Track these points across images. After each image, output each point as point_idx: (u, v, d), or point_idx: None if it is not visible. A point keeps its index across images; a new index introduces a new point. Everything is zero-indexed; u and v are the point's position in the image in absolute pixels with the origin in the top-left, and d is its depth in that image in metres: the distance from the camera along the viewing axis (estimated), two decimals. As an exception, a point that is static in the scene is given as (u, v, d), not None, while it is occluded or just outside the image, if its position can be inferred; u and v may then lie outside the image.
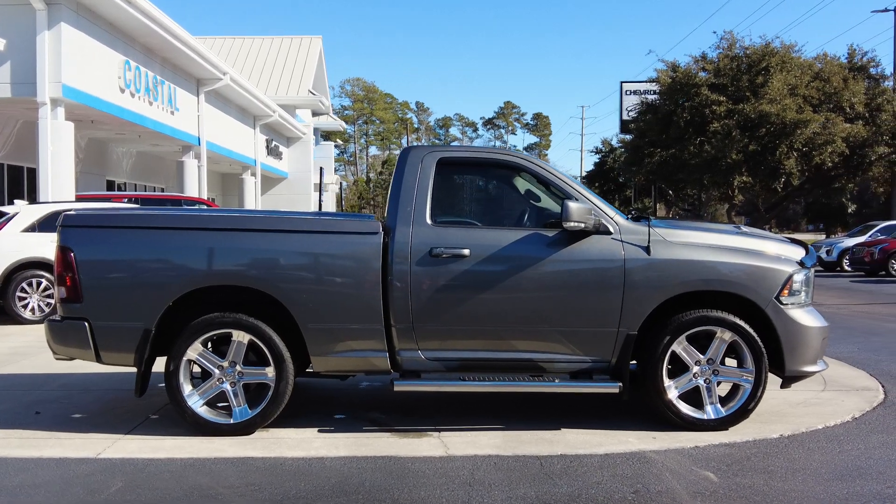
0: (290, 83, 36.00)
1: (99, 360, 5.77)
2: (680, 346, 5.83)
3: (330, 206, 44.60)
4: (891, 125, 31.79)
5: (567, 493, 4.60)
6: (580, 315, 5.78)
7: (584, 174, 65.55)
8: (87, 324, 5.68)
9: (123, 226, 5.80)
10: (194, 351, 5.73)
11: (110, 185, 23.27)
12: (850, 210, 49.21)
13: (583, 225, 5.66)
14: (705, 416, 5.86)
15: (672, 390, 5.84)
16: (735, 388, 5.96)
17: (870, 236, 26.79)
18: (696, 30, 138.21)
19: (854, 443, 5.65)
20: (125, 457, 5.24)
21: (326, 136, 53.10)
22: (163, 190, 27.20)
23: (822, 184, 35.88)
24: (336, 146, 70.14)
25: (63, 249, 5.72)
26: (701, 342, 5.90)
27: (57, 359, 6.03)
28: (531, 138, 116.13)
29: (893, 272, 23.47)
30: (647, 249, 5.79)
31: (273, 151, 32.89)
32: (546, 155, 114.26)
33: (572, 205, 5.63)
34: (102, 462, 5.14)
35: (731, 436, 5.74)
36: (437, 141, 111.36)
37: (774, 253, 6.03)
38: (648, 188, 50.92)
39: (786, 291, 5.87)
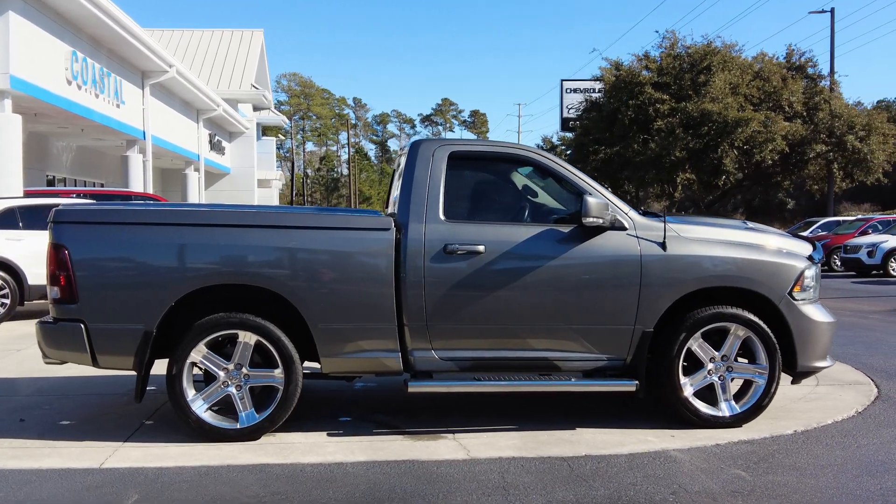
0: (231, 77, 35.26)
1: (95, 363, 5.46)
2: (696, 344, 5.77)
3: (273, 203, 43.86)
4: (828, 123, 32.57)
5: (605, 495, 4.49)
6: (596, 312, 5.68)
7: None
8: (83, 326, 5.36)
9: (122, 222, 5.49)
10: (198, 353, 5.45)
11: (51, 181, 22.43)
12: (788, 206, 50.39)
13: (601, 221, 5.56)
14: (721, 414, 5.82)
15: (688, 388, 5.78)
16: (746, 385, 5.94)
17: (811, 232, 27.44)
18: (634, 28, 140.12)
19: (868, 437, 5.66)
20: (132, 466, 4.96)
21: (265, 131, 52.25)
22: (103, 185, 26.34)
23: (761, 181, 36.64)
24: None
25: (56, 247, 5.39)
26: (713, 339, 5.86)
27: (47, 363, 5.69)
28: (468, 135, 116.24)
29: (836, 267, 24.07)
30: (662, 245, 5.71)
31: (216, 146, 32.20)
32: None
33: (591, 200, 5.52)
34: (109, 473, 4.84)
35: (746, 433, 5.70)
36: (374, 137, 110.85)
37: (785, 248, 6.02)
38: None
39: (798, 287, 5.87)
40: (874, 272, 21.87)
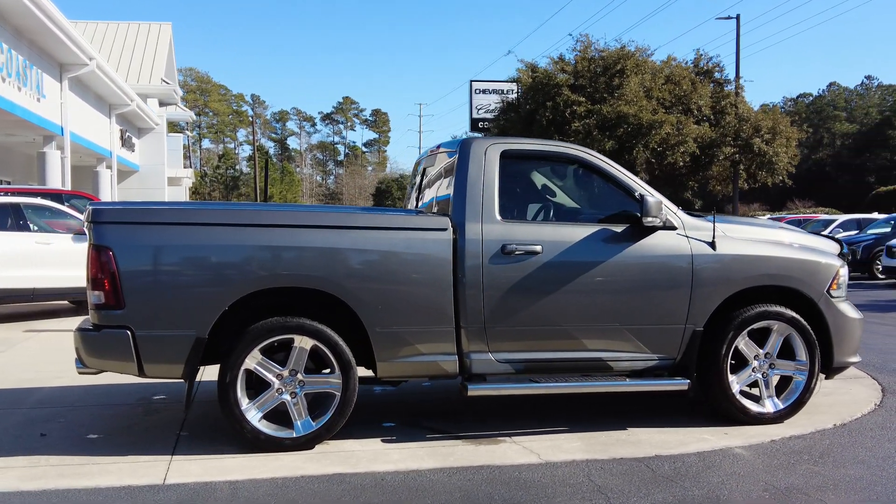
0: (140, 71, 33.96)
1: (141, 373, 5.12)
2: (742, 342, 5.85)
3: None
4: (734, 127, 33.85)
5: (703, 495, 4.49)
6: (650, 312, 5.69)
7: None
8: (129, 333, 5.01)
9: (170, 222, 5.17)
10: (253, 359, 5.19)
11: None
12: (696, 206, 52.13)
13: (658, 220, 5.58)
14: (765, 410, 5.92)
15: (735, 386, 5.85)
16: (784, 381, 6.05)
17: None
18: (541, 28, 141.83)
19: (904, 429, 5.87)
20: (199, 481, 4.66)
21: (171, 127, 50.54)
22: (9, 183, 24.94)
23: (671, 181, 37.75)
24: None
25: (99, 249, 5.03)
26: (754, 337, 5.95)
27: (81, 372, 5.32)
28: (370, 134, 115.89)
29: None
30: (712, 245, 5.77)
31: (127, 143, 30.98)
32: (385, 151, 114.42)
33: (651, 199, 5.53)
34: (179, 489, 4.54)
35: (791, 428, 5.82)
36: (273, 135, 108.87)
37: (821, 247, 6.18)
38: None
39: (835, 285, 6.03)
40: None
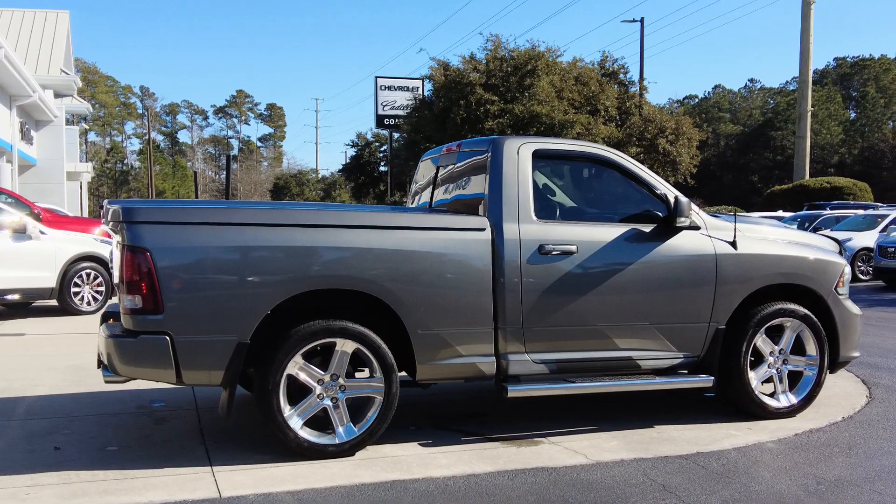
0: (38, 60, 32.32)
1: (179, 380, 4.87)
2: (760, 339, 6.01)
3: (78, 197, 40.64)
4: (639, 128, 34.82)
5: (764, 490, 4.59)
6: (678, 310, 5.79)
7: (340, 167, 65.20)
8: (168, 339, 4.76)
9: (210, 222, 4.93)
10: (295, 364, 5.01)
11: None
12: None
13: (689, 221, 5.68)
14: (781, 405, 6.10)
15: (754, 381, 6.01)
16: (795, 376, 6.24)
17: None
18: (444, 24, 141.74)
19: (908, 420, 6.15)
20: (258, 493, 4.46)
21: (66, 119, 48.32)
22: None
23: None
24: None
25: (134, 250, 4.74)
26: (768, 334, 6.12)
27: (108, 381, 5.02)
28: (265, 129, 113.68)
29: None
30: (733, 244, 5.91)
31: (26, 136, 29.45)
32: (280, 146, 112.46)
33: (684, 201, 5.64)
34: (241, 502, 4.34)
35: (806, 422, 6.01)
36: (164, 129, 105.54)
37: (826, 246, 6.41)
38: (403, 183, 51.69)
39: (841, 283, 6.27)
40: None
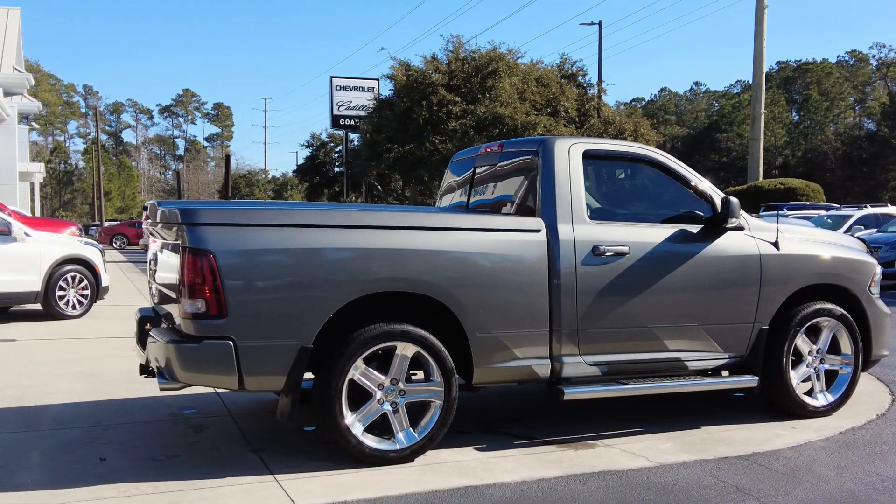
0: (-14, 57, 31.38)
1: (241, 387, 4.72)
2: (800, 339, 6.07)
3: (27, 199, 39.53)
4: (599, 130, 35.10)
5: (835, 489, 4.62)
6: (724, 311, 5.81)
7: (294, 168, 64.46)
8: (231, 344, 4.61)
9: (274, 224, 4.78)
10: (357, 369, 4.90)
11: None
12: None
13: (737, 222, 5.71)
14: (819, 403, 6.17)
15: (794, 381, 6.06)
16: (829, 375, 6.31)
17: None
18: (400, 23, 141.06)
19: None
20: (334, 502, 4.34)
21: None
22: None
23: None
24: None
25: (197, 253, 4.58)
26: (807, 333, 6.17)
27: (164, 388, 4.84)
28: (212, 128, 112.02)
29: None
30: (776, 245, 5.95)
31: (-24, 135, 28.56)
32: (228, 146, 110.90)
33: (735, 202, 5.65)
34: (320, 511, 4.23)
35: (845, 420, 6.08)
36: (108, 128, 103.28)
37: (858, 247, 6.50)
38: (358, 183, 51.39)
39: (873, 282, 6.36)
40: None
